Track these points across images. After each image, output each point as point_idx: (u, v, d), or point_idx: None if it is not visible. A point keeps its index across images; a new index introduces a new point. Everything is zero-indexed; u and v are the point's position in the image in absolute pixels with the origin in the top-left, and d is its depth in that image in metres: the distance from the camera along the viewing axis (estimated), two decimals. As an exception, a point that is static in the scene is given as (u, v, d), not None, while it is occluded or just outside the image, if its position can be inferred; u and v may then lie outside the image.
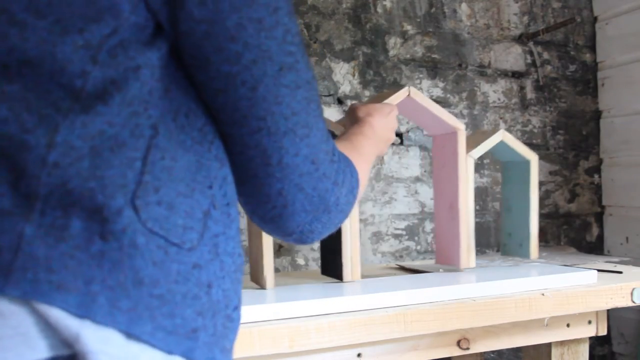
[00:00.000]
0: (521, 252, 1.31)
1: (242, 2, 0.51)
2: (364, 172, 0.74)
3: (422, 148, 1.73)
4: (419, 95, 1.10)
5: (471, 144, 1.21)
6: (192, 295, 0.50)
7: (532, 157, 1.28)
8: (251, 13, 0.51)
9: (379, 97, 1.13)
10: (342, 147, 0.74)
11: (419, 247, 1.73)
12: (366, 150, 0.80)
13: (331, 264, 1.12)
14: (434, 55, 1.76)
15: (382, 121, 0.89)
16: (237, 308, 0.57)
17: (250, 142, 0.56)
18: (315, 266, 1.60)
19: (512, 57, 1.86)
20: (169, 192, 0.50)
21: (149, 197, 0.49)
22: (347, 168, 0.66)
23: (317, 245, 1.60)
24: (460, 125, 1.16)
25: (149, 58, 0.50)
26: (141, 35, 0.50)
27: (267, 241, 1.03)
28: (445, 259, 1.23)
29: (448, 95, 1.77)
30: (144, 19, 0.49)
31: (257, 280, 1.06)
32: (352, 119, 0.90)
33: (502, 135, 1.23)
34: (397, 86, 1.71)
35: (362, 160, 0.76)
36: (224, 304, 0.54)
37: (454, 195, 1.18)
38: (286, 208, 0.60)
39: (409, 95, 1.09)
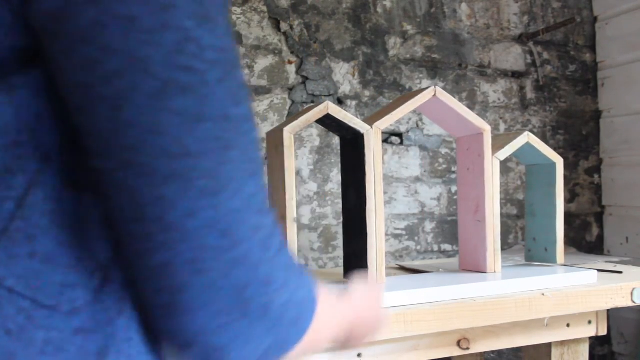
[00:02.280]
0: (547, 256, 1.28)
1: None
2: (329, 321, 0.53)
3: (422, 148, 1.73)
4: (445, 95, 1.08)
5: (494, 146, 1.19)
6: None
7: (558, 160, 1.27)
8: (117, 8, 0.37)
9: (402, 99, 1.11)
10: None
11: (419, 247, 1.73)
12: (338, 313, 0.57)
13: (356, 267, 1.09)
14: (434, 55, 1.76)
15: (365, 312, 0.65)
16: None
17: (117, 182, 0.40)
18: (316, 266, 1.60)
19: (512, 57, 1.86)
20: (47, 241, 0.40)
21: (18, 248, 0.39)
22: (300, 275, 0.47)
23: (317, 245, 1.61)
24: (486, 127, 1.14)
25: (28, 77, 0.40)
26: (18, 54, 0.40)
27: (292, 242, 1.00)
28: (470, 264, 1.20)
29: (448, 95, 1.78)
30: (19, 36, 0.40)
31: None
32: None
33: (527, 137, 1.22)
34: (397, 86, 1.71)
35: (330, 311, 0.54)
36: None
37: (481, 198, 1.16)
38: (177, 295, 0.41)
39: (434, 95, 1.07)
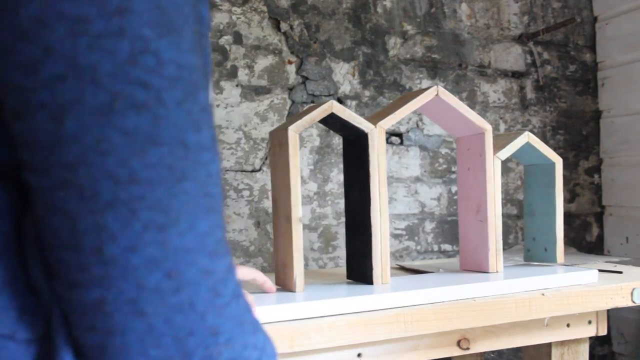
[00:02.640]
0: (547, 256, 1.28)
1: None
2: None
3: (422, 148, 1.73)
4: (447, 95, 1.07)
5: (495, 146, 1.19)
6: None
7: (557, 160, 1.27)
8: (64, 5, 0.32)
9: (404, 99, 1.11)
10: None
11: (419, 247, 1.73)
12: None
13: (360, 268, 1.08)
14: (434, 55, 1.76)
15: None
16: None
17: (54, 202, 0.35)
18: (315, 266, 1.60)
19: (512, 57, 1.86)
20: None
21: None
22: (253, 331, 0.42)
23: (317, 245, 1.61)
24: (487, 126, 1.14)
25: None
26: None
27: (297, 242, 0.99)
28: (472, 264, 1.20)
29: (448, 95, 1.78)
30: None
31: (284, 283, 1.02)
32: None
33: (527, 137, 1.22)
34: (397, 86, 1.71)
35: None
36: None
37: (482, 198, 1.16)
38: (112, 337, 0.36)
39: (437, 94, 1.06)
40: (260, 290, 0.97)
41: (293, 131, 0.98)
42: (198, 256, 0.37)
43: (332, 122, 1.05)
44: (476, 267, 1.19)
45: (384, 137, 1.03)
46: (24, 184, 0.37)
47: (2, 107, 0.36)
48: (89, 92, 0.33)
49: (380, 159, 1.02)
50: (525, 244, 1.36)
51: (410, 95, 1.10)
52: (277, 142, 1.04)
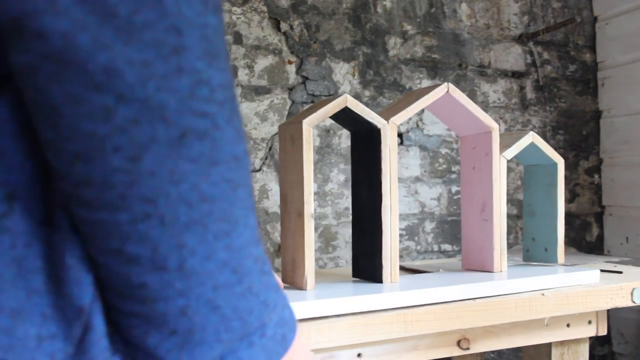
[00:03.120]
0: (547, 256, 1.28)
1: (116, 35, 0.35)
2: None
3: (422, 148, 1.73)
4: (457, 92, 1.06)
5: (502, 145, 1.18)
6: None
7: (559, 160, 1.27)
8: (130, 52, 0.35)
9: (413, 95, 1.10)
10: None
11: (419, 247, 1.73)
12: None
13: (368, 266, 1.08)
14: (434, 55, 1.76)
15: None
16: None
17: (133, 234, 0.38)
18: (316, 266, 1.60)
19: (512, 57, 1.86)
20: (15, 293, 0.37)
21: None
22: (282, 294, 0.47)
23: (317, 245, 1.61)
24: (494, 125, 1.13)
25: None
26: None
27: (309, 238, 0.97)
28: (475, 264, 1.19)
29: (448, 95, 1.78)
30: None
31: (293, 281, 1.01)
32: None
33: (532, 137, 1.22)
34: (397, 86, 1.71)
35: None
36: None
37: (488, 197, 1.16)
38: (192, 335, 0.40)
39: (447, 92, 1.05)
40: None
41: (307, 125, 0.97)
42: (251, 248, 0.42)
43: (343, 117, 1.04)
44: (480, 266, 1.19)
45: (395, 133, 1.02)
46: (70, 220, 0.39)
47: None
48: (161, 130, 0.36)
49: (392, 155, 1.01)
50: (525, 244, 1.36)
51: (421, 91, 1.09)
52: (289, 137, 1.03)
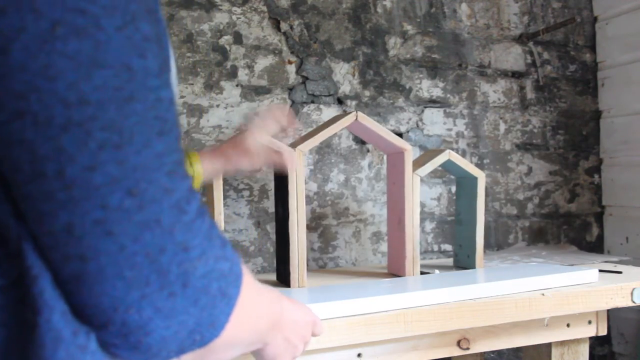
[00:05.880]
0: (469, 262, 1.39)
1: None
2: (254, 311, 0.49)
3: (422, 148, 1.73)
4: (366, 119, 1.21)
5: (418, 162, 1.32)
6: (10, 340, 0.38)
7: (480, 175, 1.38)
8: None
9: (327, 123, 1.25)
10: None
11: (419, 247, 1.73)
12: (264, 303, 0.52)
13: (282, 272, 1.23)
14: (434, 55, 1.76)
15: (294, 318, 0.61)
16: (89, 333, 0.40)
17: (11, 136, 0.36)
18: (316, 266, 1.60)
19: (512, 57, 1.86)
20: None
21: None
22: (222, 246, 0.43)
23: (317, 245, 1.61)
24: (407, 146, 1.26)
25: None
26: None
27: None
28: (394, 268, 1.34)
29: (448, 95, 1.77)
30: None
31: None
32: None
33: (449, 155, 1.34)
34: (397, 86, 1.71)
35: (260, 300, 0.51)
36: (70, 332, 0.39)
37: (402, 211, 1.28)
38: (85, 263, 0.37)
39: (356, 119, 1.20)
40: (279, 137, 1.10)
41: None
42: (157, 174, 0.39)
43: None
44: (396, 271, 1.32)
45: (302, 158, 1.17)
46: None
47: None
48: (31, 21, 0.35)
49: (299, 177, 1.16)
50: (454, 249, 1.46)
51: (334, 119, 1.25)
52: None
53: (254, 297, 0.49)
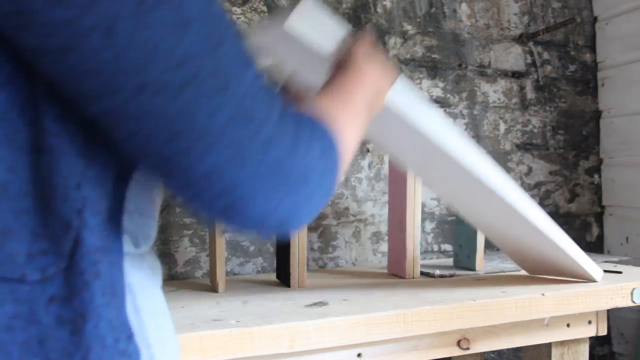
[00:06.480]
0: (469, 262, 1.39)
1: None
2: (351, 131, 0.56)
3: (422, 148, 1.73)
4: None
5: None
6: (44, 338, 0.39)
7: None
8: None
9: None
10: (321, 100, 0.56)
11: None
12: (358, 100, 0.61)
13: (283, 271, 1.23)
14: (434, 55, 1.76)
15: (376, 67, 0.68)
16: (130, 338, 0.43)
17: (137, 109, 0.40)
18: (316, 266, 1.60)
19: (512, 57, 1.86)
20: (2, 213, 0.39)
21: None
22: (313, 129, 0.49)
23: (317, 245, 1.61)
24: None
25: None
26: None
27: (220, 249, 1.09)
28: (394, 268, 1.34)
29: (448, 95, 1.77)
30: None
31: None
32: (338, 66, 0.69)
33: None
34: (397, 86, 1.71)
35: (351, 114, 0.58)
36: (112, 338, 0.42)
37: (403, 211, 1.29)
38: (232, 193, 0.43)
39: None
40: None
41: None
42: (259, 96, 0.45)
43: None
44: (397, 271, 1.31)
45: None
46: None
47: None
48: (121, 3, 0.38)
49: None
50: (454, 249, 1.46)
51: None
52: None
53: (354, 111, 0.59)
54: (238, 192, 0.43)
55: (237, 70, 0.43)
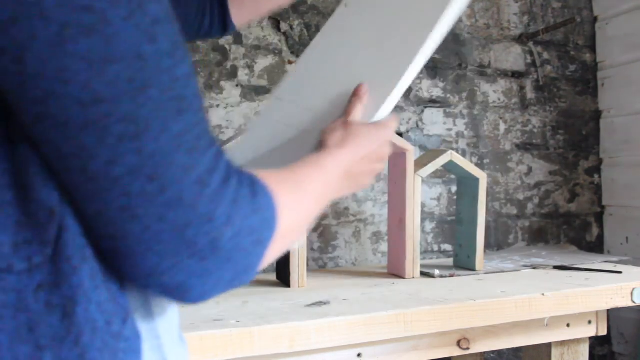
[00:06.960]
0: (469, 263, 1.39)
1: None
2: (302, 209, 0.52)
3: (422, 148, 1.73)
4: None
5: (420, 163, 1.32)
6: (34, 325, 0.39)
7: (481, 176, 1.38)
8: None
9: None
10: (277, 175, 0.51)
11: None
12: (315, 184, 0.56)
13: (283, 272, 1.23)
14: (434, 55, 1.76)
15: (357, 154, 0.64)
16: (126, 321, 0.43)
17: (37, 135, 0.39)
18: (316, 266, 1.60)
19: (512, 57, 1.86)
20: None
21: None
22: (251, 200, 0.45)
23: (317, 245, 1.61)
24: (409, 147, 1.27)
25: None
26: None
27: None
28: (394, 268, 1.34)
29: (448, 95, 1.77)
30: None
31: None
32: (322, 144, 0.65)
33: (451, 156, 1.33)
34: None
35: (304, 195, 0.54)
36: (103, 321, 0.41)
37: (403, 211, 1.29)
38: (117, 241, 0.41)
39: None
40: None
41: None
42: (175, 156, 0.40)
43: None
44: (397, 271, 1.31)
45: None
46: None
47: None
48: (40, 28, 0.36)
49: None
50: (455, 249, 1.46)
51: None
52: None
53: (299, 209, 0.52)
54: (124, 243, 0.41)
55: (157, 122, 0.39)
